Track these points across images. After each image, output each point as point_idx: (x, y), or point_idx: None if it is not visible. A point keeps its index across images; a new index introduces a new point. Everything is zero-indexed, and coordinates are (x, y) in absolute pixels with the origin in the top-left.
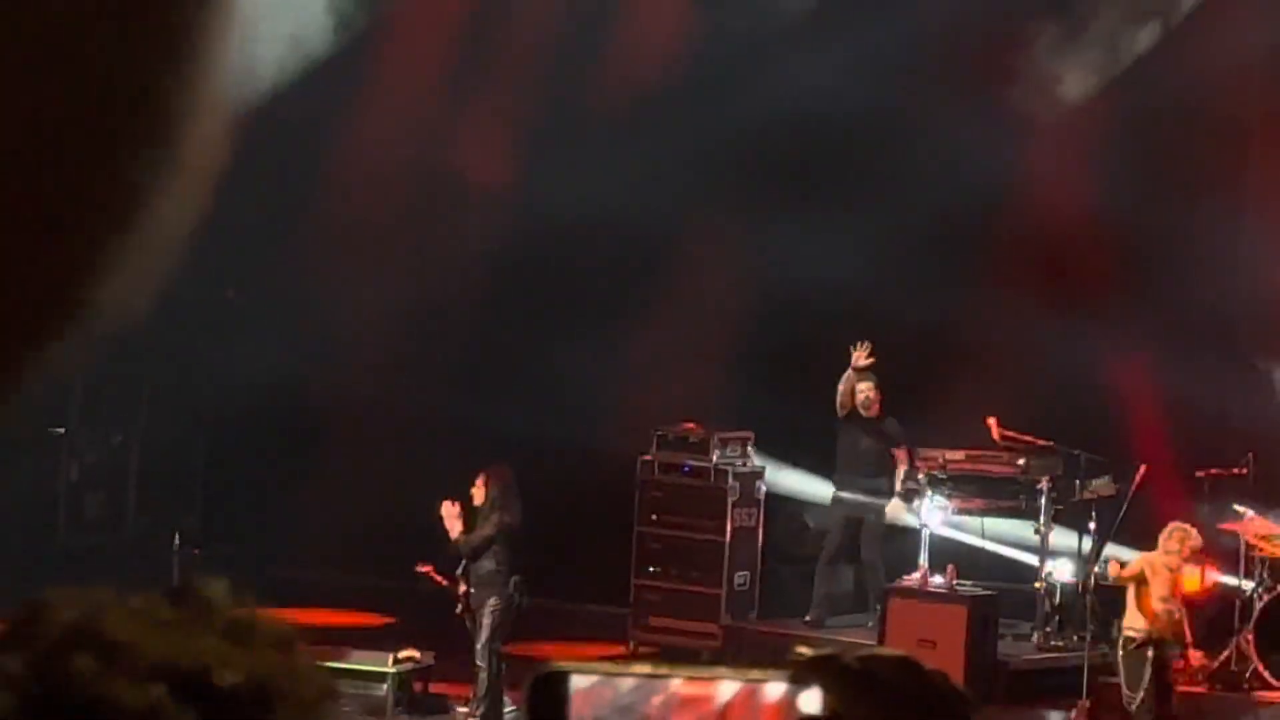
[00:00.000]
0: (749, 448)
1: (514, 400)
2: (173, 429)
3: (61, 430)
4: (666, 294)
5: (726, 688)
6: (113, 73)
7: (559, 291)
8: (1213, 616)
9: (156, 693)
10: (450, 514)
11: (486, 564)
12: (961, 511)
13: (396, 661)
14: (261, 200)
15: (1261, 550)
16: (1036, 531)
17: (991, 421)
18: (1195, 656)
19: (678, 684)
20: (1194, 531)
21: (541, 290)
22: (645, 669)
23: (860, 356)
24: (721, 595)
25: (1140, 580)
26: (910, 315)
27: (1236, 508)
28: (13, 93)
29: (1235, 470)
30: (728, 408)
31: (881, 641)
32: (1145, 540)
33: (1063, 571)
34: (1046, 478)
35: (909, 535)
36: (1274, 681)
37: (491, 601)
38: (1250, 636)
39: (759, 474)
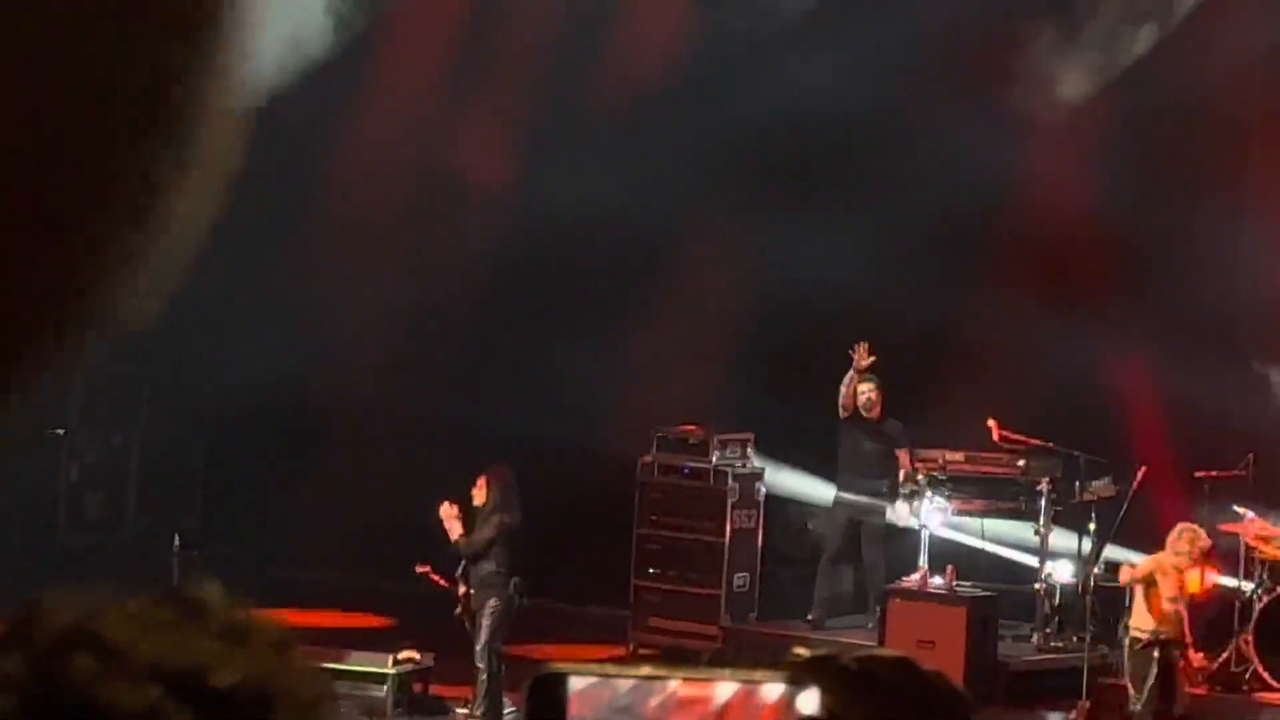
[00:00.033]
0: (749, 449)
1: (514, 400)
2: (173, 429)
3: (61, 430)
4: (666, 294)
5: (724, 689)
6: (124, 73)
7: (559, 291)
8: (1212, 618)
9: (154, 693)
10: (449, 515)
11: (487, 565)
12: (961, 513)
13: (396, 663)
14: (261, 200)
15: (1261, 552)
16: (1036, 532)
17: (991, 423)
18: (1195, 658)
19: (675, 685)
20: (1203, 532)
21: (541, 290)
22: (643, 670)
23: (862, 358)
24: (721, 596)
25: (1149, 581)
26: (910, 315)
27: (1236, 509)
28: (24, 93)
29: (1235, 471)
30: (728, 408)
31: (881, 643)
32: (1145, 541)
33: (1062, 573)
34: (1046, 479)
35: (909, 536)
36: (1273, 683)
37: (491, 603)
38: (1250, 638)
39: (759, 475)
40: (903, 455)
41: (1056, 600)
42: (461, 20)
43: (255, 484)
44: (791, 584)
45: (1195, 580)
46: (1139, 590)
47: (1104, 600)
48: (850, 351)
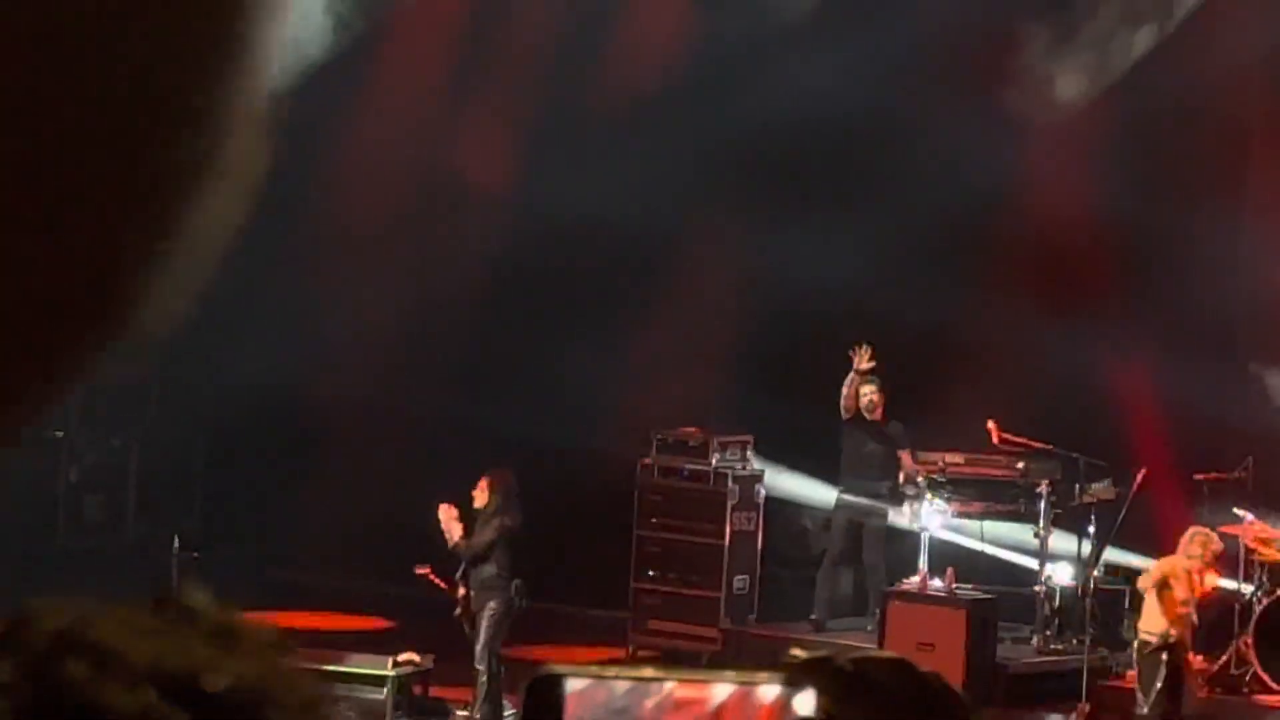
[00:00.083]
0: (748, 451)
1: (513, 402)
2: (172, 431)
3: (61, 432)
4: (666, 295)
5: (721, 690)
6: (151, 75)
7: (559, 292)
8: (1212, 620)
9: (149, 696)
10: (448, 517)
11: (487, 568)
12: (961, 515)
13: (396, 665)
14: (261, 201)
15: (1260, 554)
16: (1036, 535)
17: (991, 425)
18: (1195, 660)
19: (672, 686)
20: (1215, 536)
21: (541, 291)
22: (640, 672)
23: (862, 360)
24: (721, 599)
25: (1163, 585)
26: (910, 317)
27: (1236, 511)
28: (48, 95)
29: (1234, 474)
30: (728, 409)
31: (881, 645)
32: (1145, 544)
33: (1062, 575)
34: (1046, 481)
35: (908, 539)
36: (1273, 685)
37: (492, 605)
38: (1249, 640)
39: (758, 478)
40: (905, 457)
41: (1056, 603)
42: (461, 20)
43: (255, 486)
44: (791, 586)
45: (1208, 582)
46: (1151, 593)
47: (1104, 603)
48: (851, 353)
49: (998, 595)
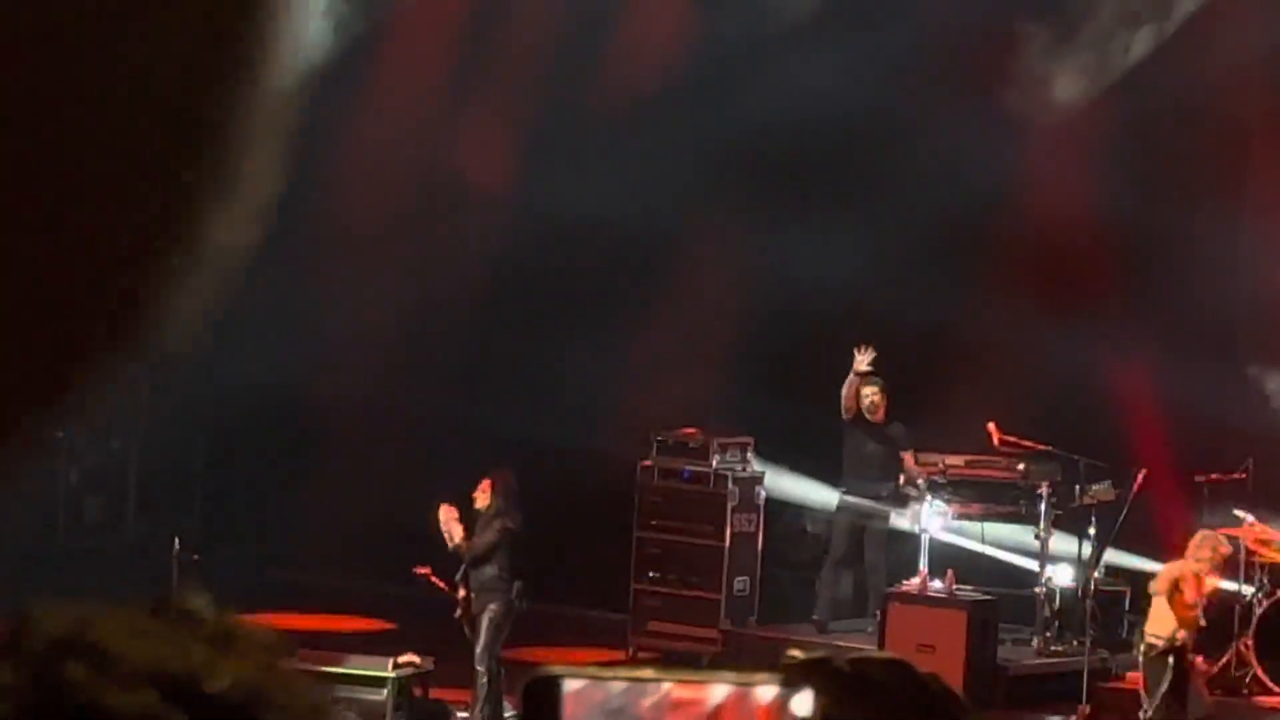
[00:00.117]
0: (749, 453)
1: (513, 402)
2: (172, 432)
3: (60, 433)
4: (666, 295)
5: (718, 691)
6: (167, 93)
7: (558, 293)
8: (1212, 622)
9: (148, 699)
10: (449, 518)
11: (488, 569)
12: (961, 516)
13: (396, 666)
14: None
15: (1261, 555)
16: (1036, 536)
17: (991, 427)
18: (1195, 662)
19: (669, 687)
20: (1224, 540)
21: (541, 291)
22: (638, 673)
23: (862, 360)
24: (721, 600)
25: (1174, 589)
26: (910, 317)
27: (1236, 513)
28: (66, 112)
29: (1234, 475)
30: (728, 409)
31: (881, 647)
32: (1145, 545)
33: (1062, 576)
34: (1046, 483)
35: (909, 540)
36: (1273, 686)
37: (492, 607)
38: (1250, 641)
39: (759, 479)
40: (907, 458)
41: (1057, 604)
42: (461, 21)
43: (255, 486)
44: (792, 588)
45: (1208, 584)
46: (1162, 597)
47: (1104, 604)
48: (856, 351)
49: (998, 597)
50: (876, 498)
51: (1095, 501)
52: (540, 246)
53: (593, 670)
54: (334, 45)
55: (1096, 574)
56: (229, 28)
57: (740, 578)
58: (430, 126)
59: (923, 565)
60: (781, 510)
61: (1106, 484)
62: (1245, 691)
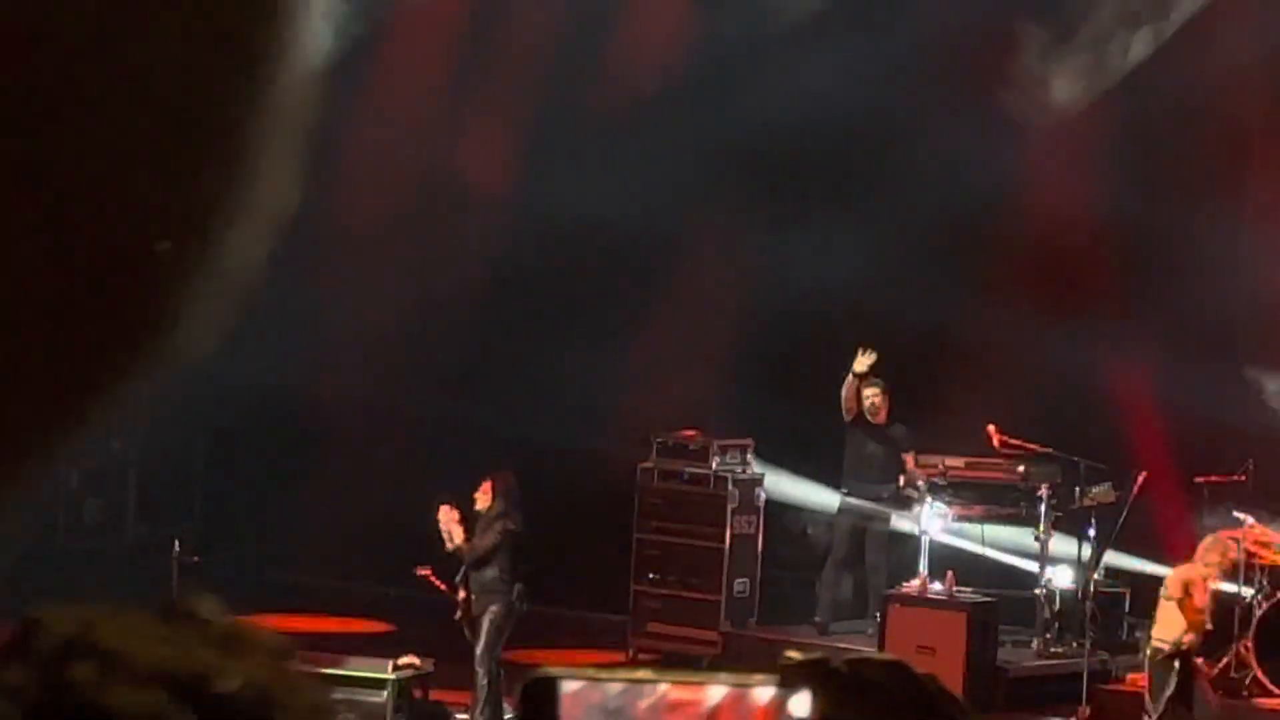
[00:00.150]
0: (748, 455)
1: (513, 403)
2: (172, 434)
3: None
4: (666, 297)
5: (715, 692)
6: (185, 115)
7: (559, 294)
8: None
9: (156, 698)
10: (449, 519)
11: (489, 571)
12: (961, 518)
13: (396, 668)
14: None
15: (1261, 557)
16: (1036, 538)
17: (991, 429)
18: (1195, 663)
19: (666, 688)
20: (1233, 544)
21: (541, 293)
22: (636, 674)
23: (862, 362)
24: (721, 602)
25: (1185, 594)
26: (910, 317)
27: (1236, 514)
28: (87, 130)
29: (1234, 477)
30: (728, 410)
31: (881, 648)
32: (1145, 546)
33: (1062, 578)
34: (1046, 484)
35: (909, 542)
36: (1273, 688)
37: (493, 609)
38: (1249, 643)
39: (758, 481)
40: (909, 459)
41: (1056, 606)
42: (461, 21)
43: (255, 486)
44: (792, 589)
45: (1213, 588)
46: (1173, 602)
47: (1104, 606)
48: (860, 353)
49: (998, 598)
50: (877, 499)
51: (1095, 503)
52: (540, 247)
53: (590, 671)
54: (334, 45)
55: (1096, 576)
56: (235, 29)
57: (740, 579)
58: (430, 127)
59: (923, 567)
60: (781, 512)
61: (1106, 486)
62: (1245, 693)
